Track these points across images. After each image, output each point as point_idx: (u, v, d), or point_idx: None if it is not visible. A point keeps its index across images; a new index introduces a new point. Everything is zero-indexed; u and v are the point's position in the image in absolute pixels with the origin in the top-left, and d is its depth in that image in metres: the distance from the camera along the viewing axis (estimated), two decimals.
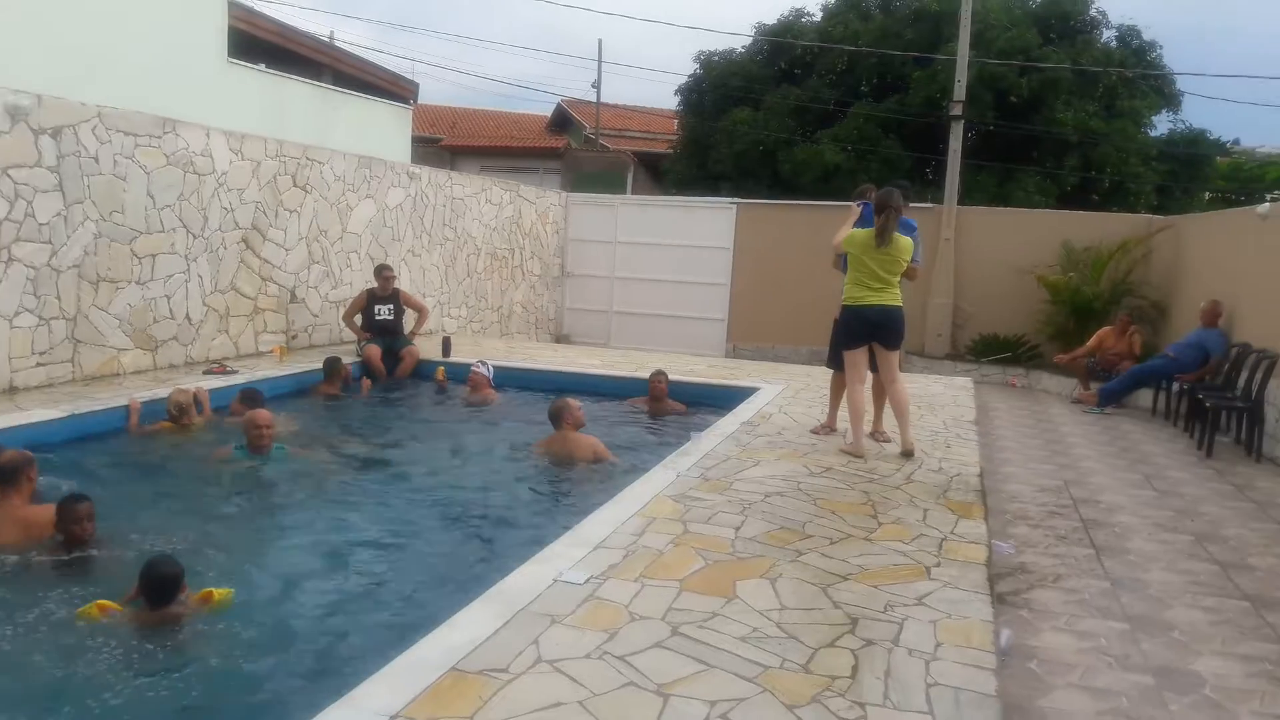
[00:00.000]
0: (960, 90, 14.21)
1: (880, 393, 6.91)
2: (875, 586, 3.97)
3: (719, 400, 8.31)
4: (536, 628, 3.36)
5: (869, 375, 6.61)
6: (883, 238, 6.22)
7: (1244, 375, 8.65)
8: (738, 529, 4.60)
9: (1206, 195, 24.51)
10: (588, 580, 3.81)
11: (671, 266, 14.81)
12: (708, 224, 14.78)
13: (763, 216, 14.66)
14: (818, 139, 20.32)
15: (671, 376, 8.32)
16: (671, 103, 25.10)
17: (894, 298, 6.37)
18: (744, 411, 7.67)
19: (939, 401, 8.70)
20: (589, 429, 6.69)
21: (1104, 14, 20.87)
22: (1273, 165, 34.93)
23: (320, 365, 8.44)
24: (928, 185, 18.32)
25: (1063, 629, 4.18)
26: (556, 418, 6.51)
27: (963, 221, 13.67)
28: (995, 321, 13.17)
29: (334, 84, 16.34)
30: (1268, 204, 9.88)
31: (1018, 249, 13.12)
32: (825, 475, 5.79)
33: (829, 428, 7.04)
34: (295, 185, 9.68)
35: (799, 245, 13.55)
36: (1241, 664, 3.94)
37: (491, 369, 8.57)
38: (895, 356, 6.47)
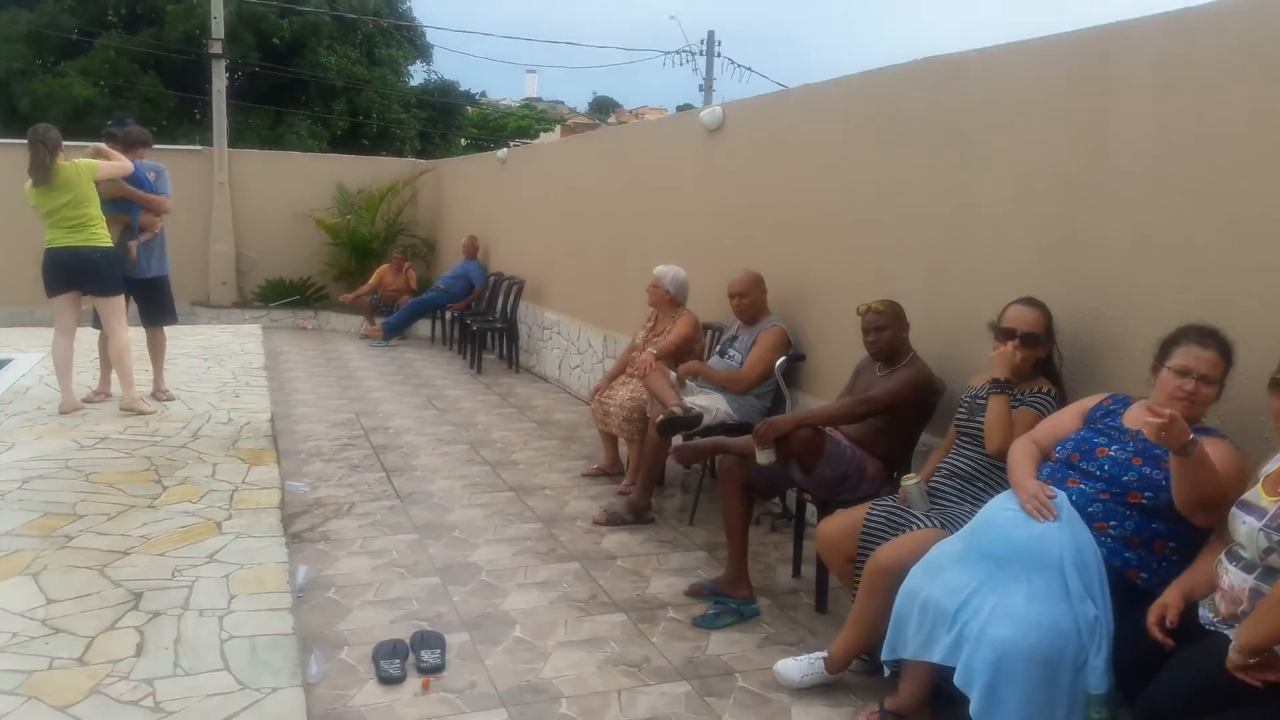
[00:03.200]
0: (218, 28, 13.57)
1: (156, 346, 6.46)
2: (162, 554, 3.72)
3: None
4: None
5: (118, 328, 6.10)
6: (37, 175, 5.71)
7: (500, 300, 9.93)
8: None
9: (463, 141, 27.27)
10: None
11: None
12: None
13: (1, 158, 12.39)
14: (62, 71, 17.82)
15: None
16: None
17: (89, 238, 5.83)
18: None
19: (227, 351, 8.41)
20: None
21: None
22: (513, 116, 40.16)
23: None
24: (196, 126, 17.33)
25: (358, 552, 4.39)
26: None
27: (237, 165, 13.22)
28: (281, 266, 13.10)
29: None
30: (506, 150, 11.37)
31: (295, 193, 13.14)
32: (101, 446, 5.23)
33: (103, 394, 6.36)
34: None
35: None
36: (509, 546, 4.57)
37: None
38: (111, 304, 6.01)
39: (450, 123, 24.89)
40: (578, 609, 3.87)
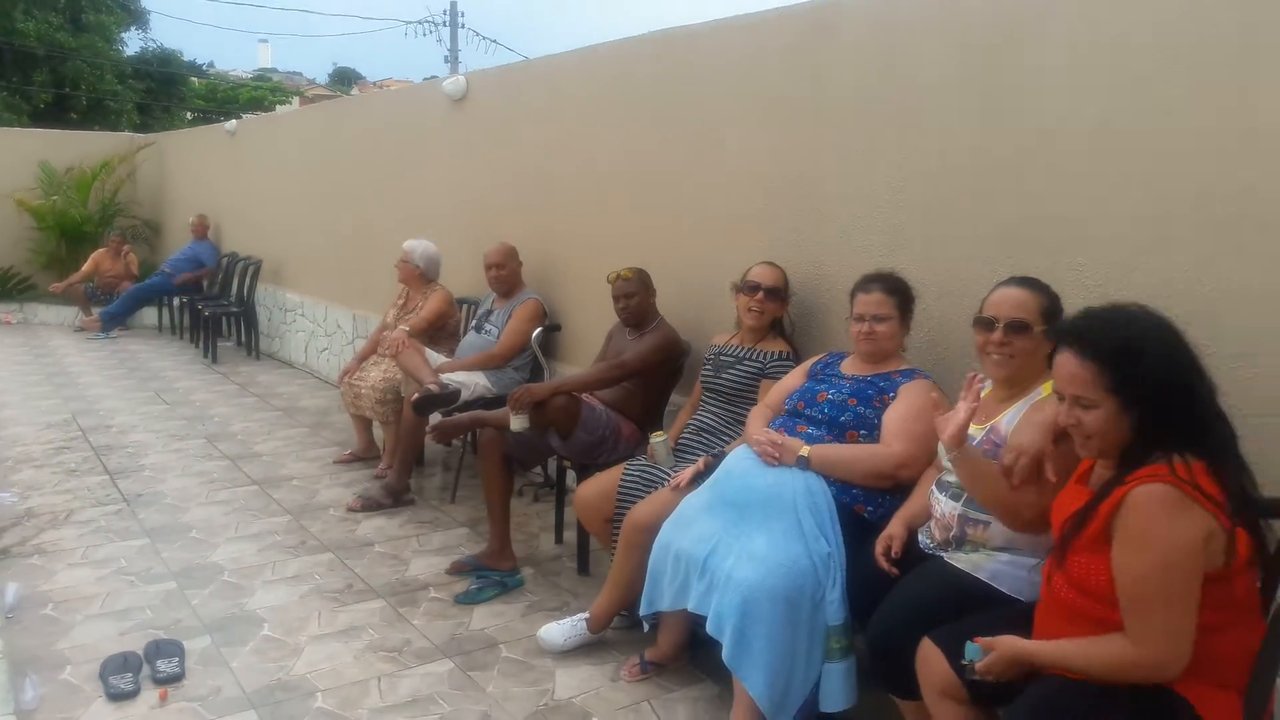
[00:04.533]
0: None
1: None
2: None
3: None
4: None
5: None
6: None
7: (235, 282, 9.29)
8: None
9: (189, 115, 25.25)
10: None
11: None
12: None
13: None
14: None
15: None
16: None
17: None
18: None
19: None
20: None
21: None
22: (246, 88, 37.66)
23: None
24: None
25: (80, 563, 3.98)
26: None
27: None
28: None
29: None
30: (234, 121, 10.61)
31: None
32: None
33: None
34: None
35: None
36: (254, 542, 4.29)
37: None
38: None
39: (173, 95, 22.93)
40: (332, 600, 3.70)
